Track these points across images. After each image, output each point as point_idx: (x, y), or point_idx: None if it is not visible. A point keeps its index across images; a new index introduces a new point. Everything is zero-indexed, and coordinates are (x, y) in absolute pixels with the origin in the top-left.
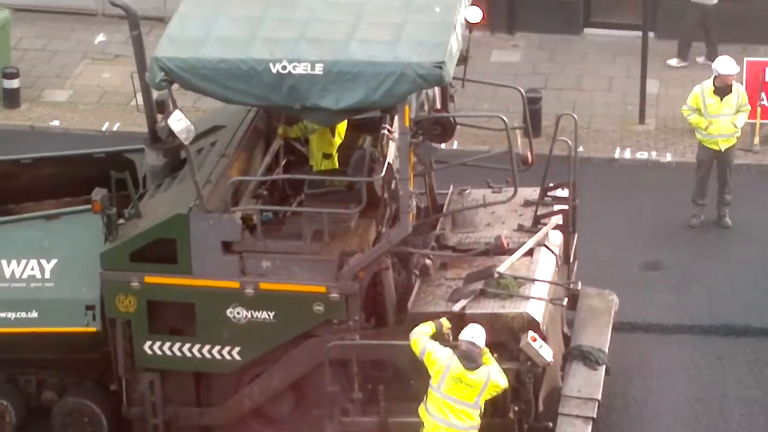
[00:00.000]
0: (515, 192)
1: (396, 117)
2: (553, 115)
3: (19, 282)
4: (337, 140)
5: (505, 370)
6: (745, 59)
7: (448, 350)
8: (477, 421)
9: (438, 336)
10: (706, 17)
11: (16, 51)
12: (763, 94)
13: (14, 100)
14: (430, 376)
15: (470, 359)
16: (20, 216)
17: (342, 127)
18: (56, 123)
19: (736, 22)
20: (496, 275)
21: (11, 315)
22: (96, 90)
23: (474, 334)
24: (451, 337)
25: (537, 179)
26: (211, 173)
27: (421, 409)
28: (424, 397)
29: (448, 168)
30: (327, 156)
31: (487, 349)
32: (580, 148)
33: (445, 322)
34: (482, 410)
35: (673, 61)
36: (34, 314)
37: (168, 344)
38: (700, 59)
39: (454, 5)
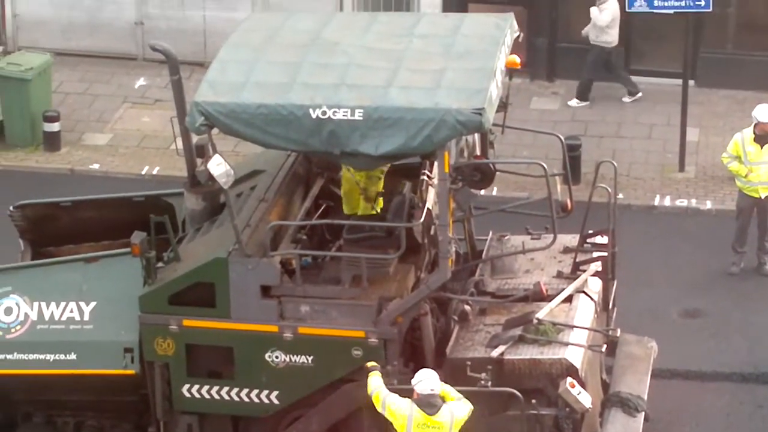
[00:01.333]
0: (554, 238)
1: (436, 163)
2: (592, 162)
3: (59, 324)
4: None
5: (543, 417)
6: None
7: (407, 400)
8: None
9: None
10: (608, 57)
11: (57, 95)
12: None
13: (55, 144)
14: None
15: (430, 405)
16: (60, 259)
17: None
18: (96, 166)
19: None
20: (535, 321)
21: (50, 357)
22: (136, 134)
23: (432, 385)
24: (490, 383)
25: (576, 226)
26: (250, 217)
27: None
28: None
29: (488, 214)
30: (372, 199)
31: (446, 386)
32: (620, 195)
33: (371, 363)
34: None
35: (573, 102)
36: (73, 356)
37: (206, 387)
38: (626, 99)
39: (493, 52)
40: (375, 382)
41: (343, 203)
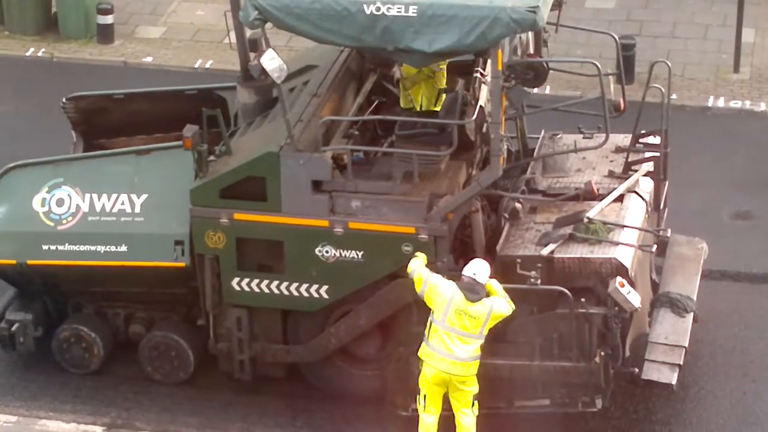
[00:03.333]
0: (607, 138)
1: (489, 60)
2: (646, 62)
3: (110, 216)
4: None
5: (592, 316)
6: None
7: (452, 283)
8: (479, 352)
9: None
10: None
11: None
12: None
13: (108, 36)
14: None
15: (473, 291)
16: (111, 151)
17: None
18: (149, 59)
19: None
20: (586, 220)
21: (101, 248)
22: (189, 27)
23: (476, 270)
24: (539, 281)
25: (629, 126)
26: (302, 112)
27: (422, 349)
28: (426, 335)
29: (540, 112)
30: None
31: (493, 282)
32: (674, 96)
33: (422, 255)
34: (484, 341)
35: None
36: (124, 248)
37: (256, 281)
38: None
39: None
40: (416, 263)
41: (401, 97)
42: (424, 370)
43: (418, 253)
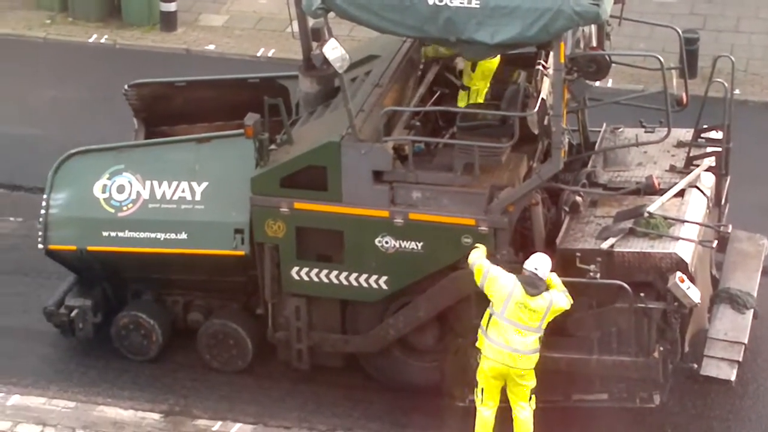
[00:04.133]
0: (668, 132)
1: (551, 53)
2: (710, 56)
3: (170, 203)
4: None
5: (651, 310)
6: None
7: (512, 276)
8: (538, 345)
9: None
10: None
11: None
12: None
13: (171, 24)
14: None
15: (533, 285)
16: (173, 138)
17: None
18: (212, 47)
19: None
20: (646, 215)
21: (161, 236)
22: (252, 16)
23: (538, 264)
24: (599, 275)
25: (691, 120)
26: (364, 102)
27: (480, 340)
28: (484, 327)
29: (602, 106)
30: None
31: (553, 275)
32: (737, 91)
33: (481, 246)
34: (543, 334)
35: None
36: (184, 236)
37: (315, 270)
38: None
39: None
40: (476, 254)
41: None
42: (482, 363)
43: (478, 245)
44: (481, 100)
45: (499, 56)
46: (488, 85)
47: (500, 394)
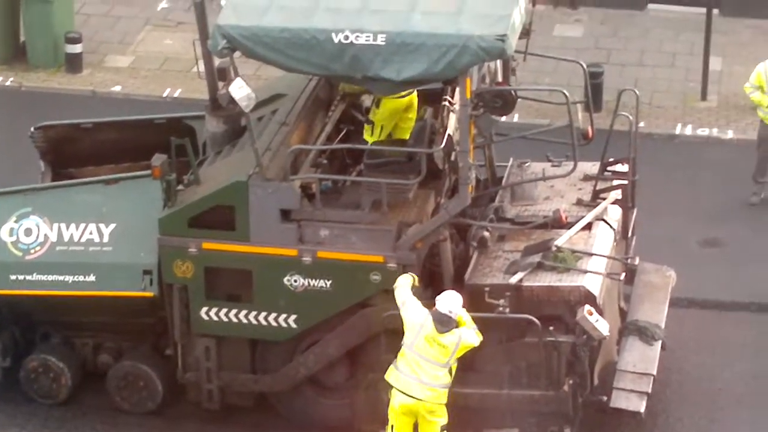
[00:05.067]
0: (575, 166)
1: (457, 89)
2: (614, 90)
3: (78, 246)
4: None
5: (561, 344)
6: None
7: (425, 311)
8: (448, 380)
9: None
10: None
11: (79, 16)
12: None
13: (77, 65)
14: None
15: (443, 323)
16: (80, 180)
17: (415, 101)
18: (118, 88)
19: None
20: (554, 248)
21: (69, 278)
22: (158, 56)
23: (451, 306)
24: (508, 310)
25: (597, 154)
26: (271, 141)
27: (390, 371)
28: (395, 359)
29: (509, 141)
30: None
31: (462, 312)
32: (642, 124)
33: (415, 277)
34: (453, 370)
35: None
36: (92, 278)
37: (224, 310)
38: None
39: None
40: (402, 281)
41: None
42: (393, 400)
43: (410, 273)
44: (384, 137)
45: (410, 95)
46: (395, 122)
47: (412, 431)
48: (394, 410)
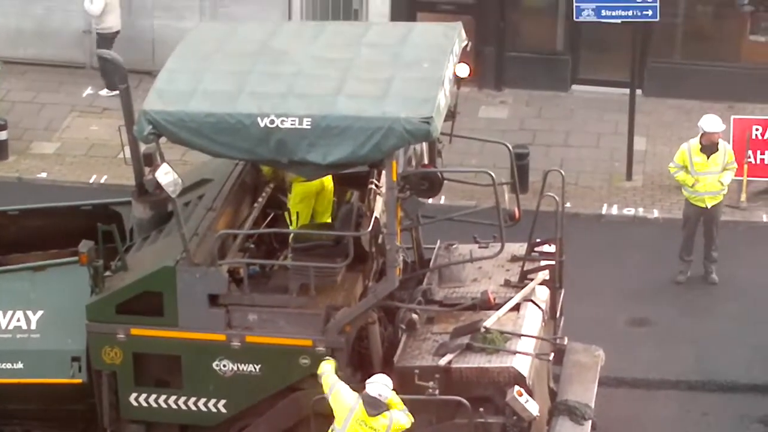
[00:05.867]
0: (502, 247)
1: (383, 172)
2: (540, 170)
3: (5, 333)
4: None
5: (491, 425)
6: (732, 117)
7: (354, 394)
8: None
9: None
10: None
11: (4, 103)
12: (749, 152)
13: (2, 152)
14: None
15: (374, 406)
16: (6, 267)
17: (329, 182)
18: (44, 175)
19: (722, 79)
20: (483, 330)
21: None
22: (84, 143)
23: (381, 390)
24: (437, 391)
25: (524, 235)
26: (198, 226)
27: None
28: None
29: (436, 223)
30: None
31: (393, 395)
32: (568, 204)
33: (332, 360)
34: None
35: (104, 92)
36: (20, 365)
37: (154, 396)
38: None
39: (442, 61)
40: (326, 368)
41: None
42: None
43: (329, 358)
44: (303, 222)
45: (326, 178)
46: (311, 207)
47: None
48: None
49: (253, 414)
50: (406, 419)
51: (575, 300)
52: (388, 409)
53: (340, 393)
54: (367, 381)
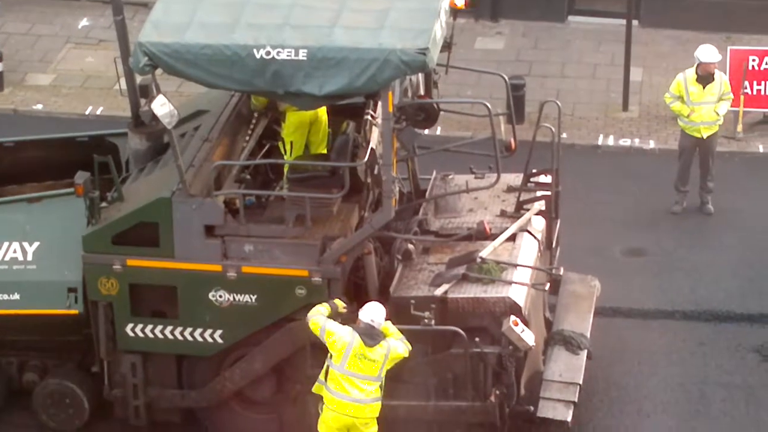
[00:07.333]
0: (498, 178)
1: (379, 103)
2: (536, 102)
3: (1, 264)
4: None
5: (487, 355)
6: (729, 47)
7: (348, 328)
8: (379, 393)
9: (334, 316)
10: None
11: None
12: (746, 83)
13: None
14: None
15: (370, 336)
16: (2, 199)
17: (323, 113)
18: (39, 107)
19: (719, 10)
20: (479, 260)
21: None
22: (79, 74)
23: (373, 315)
24: (433, 322)
25: (520, 165)
26: (194, 157)
27: (320, 388)
28: (323, 380)
29: (432, 153)
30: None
31: (388, 323)
32: (564, 135)
33: (339, 303)
34: (384, 381)
35: None
36: (16, 296)
37: (150, 327)
38: None
39: None
40: (319, 309)
41: (287, 146)
42: (325, 414)
43: (325, 303)
44: (297, 153)
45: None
46: (304, 138)
47: None
48: (327, 423)
49: (249, 344)
50: (403, 348)
51: (571, 230)
52: (384, 338)
53: (334, 330)
54: (360, 310)
